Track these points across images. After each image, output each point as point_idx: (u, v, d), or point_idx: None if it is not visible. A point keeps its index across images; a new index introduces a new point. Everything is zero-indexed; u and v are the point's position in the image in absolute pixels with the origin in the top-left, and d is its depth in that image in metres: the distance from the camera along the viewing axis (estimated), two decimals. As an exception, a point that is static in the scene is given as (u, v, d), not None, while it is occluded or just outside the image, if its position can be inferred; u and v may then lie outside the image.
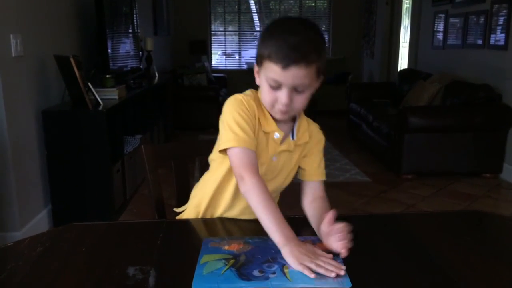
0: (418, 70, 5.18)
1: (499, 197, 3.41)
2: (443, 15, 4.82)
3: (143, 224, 1.16)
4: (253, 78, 1.13)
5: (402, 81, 5.19)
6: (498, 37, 3.80)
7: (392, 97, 5.16)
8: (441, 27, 4.91)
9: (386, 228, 1.12)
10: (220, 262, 0.90)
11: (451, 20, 4.66)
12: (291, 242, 0.92)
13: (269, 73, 1.02)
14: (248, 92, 1.14)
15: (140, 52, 4.34)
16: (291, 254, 0.90)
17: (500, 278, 0.88)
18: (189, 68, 6.34)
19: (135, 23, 4.10)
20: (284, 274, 0.86)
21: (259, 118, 1.09)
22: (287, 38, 0.99)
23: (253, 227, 1.16)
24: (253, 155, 1.04)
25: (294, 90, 1.02)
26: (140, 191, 3.41)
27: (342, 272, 0.86)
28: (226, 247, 0.97)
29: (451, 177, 3.74)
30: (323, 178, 1.19)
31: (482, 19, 4.05)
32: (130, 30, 3.95)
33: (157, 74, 4.68)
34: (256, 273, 0.87)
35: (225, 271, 0.87)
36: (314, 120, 1.21)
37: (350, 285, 0.83)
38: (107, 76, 3.14)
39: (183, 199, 1.35)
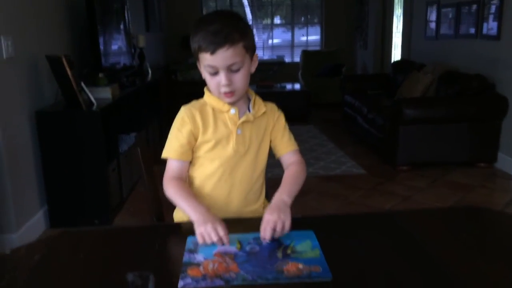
0: (412, 61, 5.18)
1: (494, 187, 3.43)
2: (435, 5, 4.81)
3: (140, 229, 1.16)
4: None
5: (396, 72, 5.19)
6: (491, 26, 3.81)
7: (386, 88, 5.17)
8: (433, 17, 4.91)
9: (383, 225, 1.12)
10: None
11: (443, 10, 4.65)
12: (199, 214, 1.06)
13: (204, 62, 1.14)
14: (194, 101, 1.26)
15: (133, 49, 4.31)
16: (196, 223, 1.04)
17: (495, 274, 0.89)
18: (182, 64, 6.31)
19: (127, 19, 4.07)
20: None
21: (213, 107, 1.21)
22: (208, 27, 1.11)
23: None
24: (179, 165, 1.21)
25: (230, 70, 1.13)
26: (136, 189, 3.40)
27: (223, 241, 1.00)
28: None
29: (446, 167, 3.76)
30: (294, 147, 1.30)
31: (474, 9, 4.05)
32: (121, 27, 3.92)
33: (150, 71, 4.65)
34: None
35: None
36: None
37: (330, 276, 0.87)
38: (100, 75, 3.12)
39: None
